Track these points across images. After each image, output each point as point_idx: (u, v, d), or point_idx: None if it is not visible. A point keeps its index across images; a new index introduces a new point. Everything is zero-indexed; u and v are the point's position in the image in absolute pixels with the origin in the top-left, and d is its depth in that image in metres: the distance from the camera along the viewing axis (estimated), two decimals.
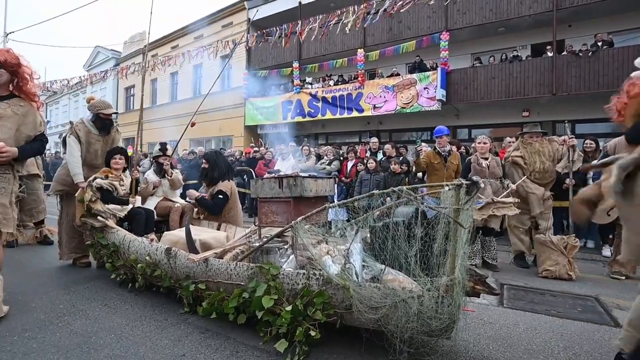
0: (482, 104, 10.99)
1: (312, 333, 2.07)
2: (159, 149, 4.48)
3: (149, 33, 4.68)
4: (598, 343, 2.41)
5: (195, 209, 4.22)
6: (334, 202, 4.92)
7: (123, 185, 3.87)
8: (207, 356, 2.13)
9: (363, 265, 2.26)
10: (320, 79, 14.20)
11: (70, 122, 4.08)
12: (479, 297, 2.28)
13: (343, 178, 7.49)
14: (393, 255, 2.15)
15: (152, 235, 3.77)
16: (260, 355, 2.14)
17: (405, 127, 13.14)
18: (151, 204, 4.33)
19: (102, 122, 3.97)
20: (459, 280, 1.92)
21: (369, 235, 2.47)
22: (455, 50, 11.38)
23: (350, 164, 7.60)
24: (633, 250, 1.51)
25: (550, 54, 9.82)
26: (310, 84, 14.13)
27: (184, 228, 3.26)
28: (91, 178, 3.65)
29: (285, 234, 2.59)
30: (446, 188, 1.99)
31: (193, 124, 4.86)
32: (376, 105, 11.99)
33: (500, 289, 3.48)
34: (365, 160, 7.07)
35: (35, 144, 2.70)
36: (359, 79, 12.42)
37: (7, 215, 2.53)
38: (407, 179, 6.22)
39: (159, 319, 2.64)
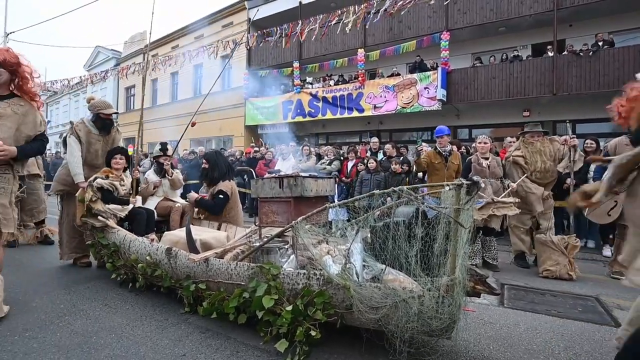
0: (483, 103, 10.98)
1: (313, 333, 2.07)
2: (160, 149, 4.48)
3: (150, 33, 4.67)
4: (598, 343, 2.40)
5: (196, 209, 4.22)
6: (334, 202, 4.92)
7: (124, 185, 3.87)
8: (208, 356, 2.13)
9: (363, 265, 2.26)
10: (321, 78, 14.20)
11: (71, 122, 4.08)
12: (479, 297, 2.28)
13: (343, 178, 7.49)
14: (393, 255, 2.14)
15: (153, 235, 3.77)
16: (260, 355, 2.14)
17: (405, 127, 13.13)
18: (152, 204, 4.33)
19: (103, 122, 3.97)
20: (460, 280, 1.92)
21: (369, 235, 2.47)
22: (455, 50, 11.37)
23: (350, 164, 7.60)
24: (628, 251, 1.52)
25: (550, 54, 9.81)
26: (311, 83, 14.13)
27: (184, 228, 3.26)
28: (92, 178, 3.66)
29: (285, 233, 2.59)
30: (447, 188, 1.99)
31: (193, 124, 4.86)
32: (376, 105, 11.99)
33: (500, 289, 3.48)
34: (365, 160, 7.07)
35: (36, 144, 2.70)
36: (360, 78, 12.42)
37: (8, 215, 2.53)
38: (407, 179, 6.22)
39: (160, 318, 2.64)
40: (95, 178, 3.65)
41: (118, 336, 2.35)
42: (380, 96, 11.88)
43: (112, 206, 3.66)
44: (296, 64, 13.93)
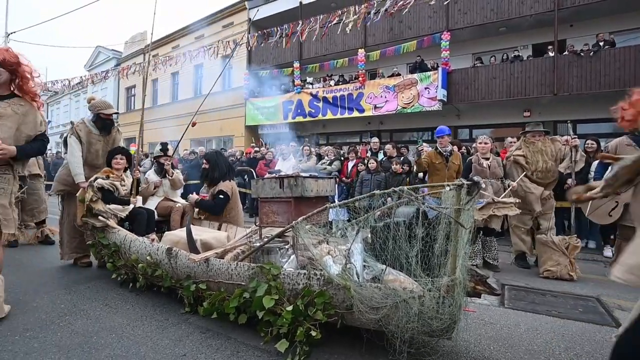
0: (483, 104, 10.97)
1: (313, 333, 2.07)
2: (160, 149, 4.48)
3: (151, 33, 4.67)
4: (599, 344, 2.40)
5: (196, 209, 4.22)
6: (334, 202, 4.92)
7: (124, 185, 3.87)
8: (208, 356, 2.13)
9: (364, 266, 2.26)
10: (321, 79, 14.19)
11: (71, 122, 4.09)
12: (479, 298, 2.28)
13: (344, 178, 7.49)
14: (394, 256, 2.14)
15: (153, 235, 3.77)
16: (261, 355, 2.14)
17: (406, 127, 13.13)
18: (152, 204, 4.33)
19: (103, 122, 3.97)
20: (460, 281, 1.92)
21: (369, 235, 2.47)
22: (456, 50, 11.37)
23: (351, 164, 7.60)
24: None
25: (551, 54, 9.80)
26: (311, 84, 14.13)
27: (184, 228, 3.26)
28: (92, 178, 3.66)
29: (286, 234, 2.59)
30: (447, 188, 1.99)
31: (194, 124, 4.87)
32: (377, 105, 11.99)
33: (501, 290, 3.48)
34: (366, 161, 7.06)
35: (36, 144, 2.70)
36: (360, 79, 12.42)
37: (8, 215, 2.53)
38: (408, 179, 6.22)
39: (160, 318, 2.64)
40: (96, 178, 3.65)
41: (118, 336, 2.36)
42: (381, 96, 11.88)
43: (112, 206, 3.66)
44: (296, 64, 13.93)
